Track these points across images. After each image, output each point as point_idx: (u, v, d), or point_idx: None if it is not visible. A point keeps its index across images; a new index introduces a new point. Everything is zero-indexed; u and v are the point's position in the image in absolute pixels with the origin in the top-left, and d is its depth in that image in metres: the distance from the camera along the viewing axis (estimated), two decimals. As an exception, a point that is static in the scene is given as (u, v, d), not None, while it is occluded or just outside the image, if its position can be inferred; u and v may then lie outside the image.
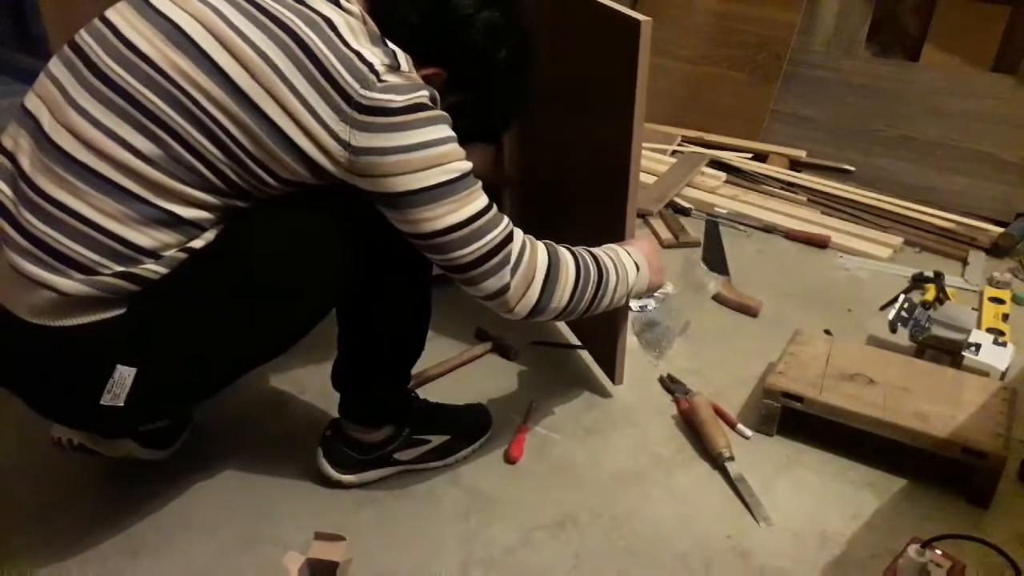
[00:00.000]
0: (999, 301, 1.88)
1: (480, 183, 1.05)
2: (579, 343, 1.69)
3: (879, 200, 2.42)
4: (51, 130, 0.95)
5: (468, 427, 1.37)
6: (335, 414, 1.28)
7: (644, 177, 2.43)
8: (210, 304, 1.01)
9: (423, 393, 1.43)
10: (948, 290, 1.94)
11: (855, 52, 2.71)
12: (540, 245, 1.12)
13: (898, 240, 2.21)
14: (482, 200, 1.04)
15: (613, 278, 1.19)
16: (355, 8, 1.00)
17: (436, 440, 1.32)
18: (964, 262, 2.14)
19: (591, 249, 1.20)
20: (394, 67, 0.97)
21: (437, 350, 1.58)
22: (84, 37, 0.98)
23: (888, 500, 1.30)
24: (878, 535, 1.23)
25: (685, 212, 2.35)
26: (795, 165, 2.67)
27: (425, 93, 0.98)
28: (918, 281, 1.99)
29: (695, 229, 2.24)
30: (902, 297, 1.73)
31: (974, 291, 1.98)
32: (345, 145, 0.95)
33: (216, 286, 1.00)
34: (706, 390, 1.51)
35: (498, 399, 1.50)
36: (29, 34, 3.26)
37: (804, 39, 2.73)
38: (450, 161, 1.00)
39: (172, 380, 1.04)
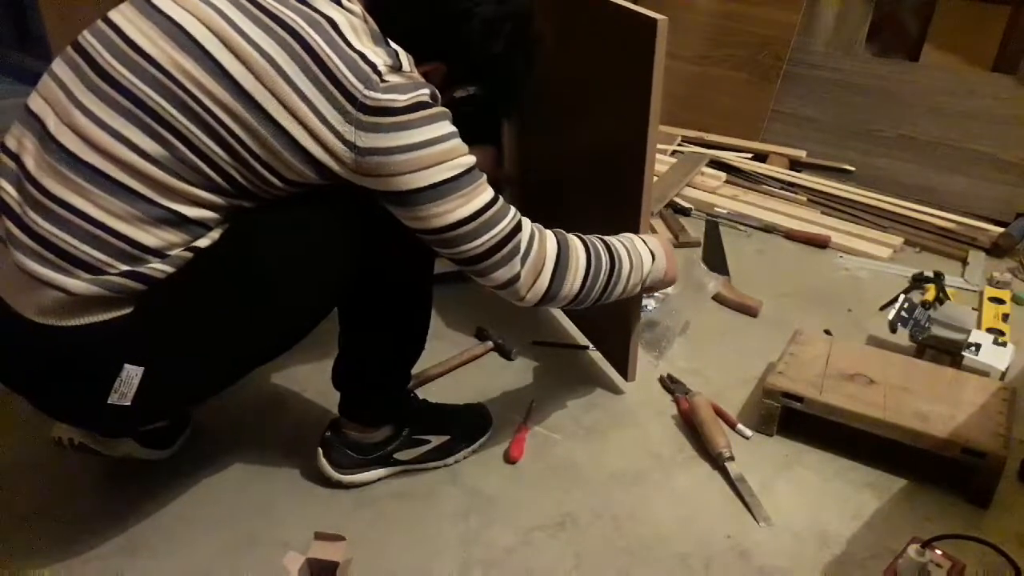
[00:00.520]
0: (999, 301, 1.88)
1: (485, 176, 1.06)
2: (581, 343, 1.69)
3: (879, 200, 2.42)
4: (57, 131, 0.95)
5: (468, 427, 1.37)
6: (335, 414, 1.28)
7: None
8: (216, 303, 1.01)
9: (423, 393, 1.43)
10: (948, 290, 1.94)
11: (855, 52, 2.71)
12: (549, 233, 1.12)
13: (898, 240, 2.21)
14: (488, 193, 1.05)
15: (627, 265, 1.19)
16: (356, 7, 1.00)
17: (436, 440, 1.32)
18: (964, 262, 2.13)
19: (604, 237, 1.20)
20: (396, 67, 0.97)
21: (437, 350, 1.58)
22: (88, 38, 0.98)
23: (888, 500, 1.30)
24: (878, 535, 1.23)
25: (685, 212, 2.35)
26: (795, 165, 2.67)
27: (426, 91, 0.98)
28: (918, 281, 1.99)
29: (695, 229, 2.24)
30: (902, 297, 1.73)
31: (974, 291, 1.98)
32: (351, 146, 0.95)
33: (222, 285, 1.00)
34: (706, 390, 1.51)
35: (498, 399, 1.50)
36: (29, 34, 3.26)
37: (804, 39, 2.73)
38: (455, 157, 1.01)
39: (179, 379, 1.04)
